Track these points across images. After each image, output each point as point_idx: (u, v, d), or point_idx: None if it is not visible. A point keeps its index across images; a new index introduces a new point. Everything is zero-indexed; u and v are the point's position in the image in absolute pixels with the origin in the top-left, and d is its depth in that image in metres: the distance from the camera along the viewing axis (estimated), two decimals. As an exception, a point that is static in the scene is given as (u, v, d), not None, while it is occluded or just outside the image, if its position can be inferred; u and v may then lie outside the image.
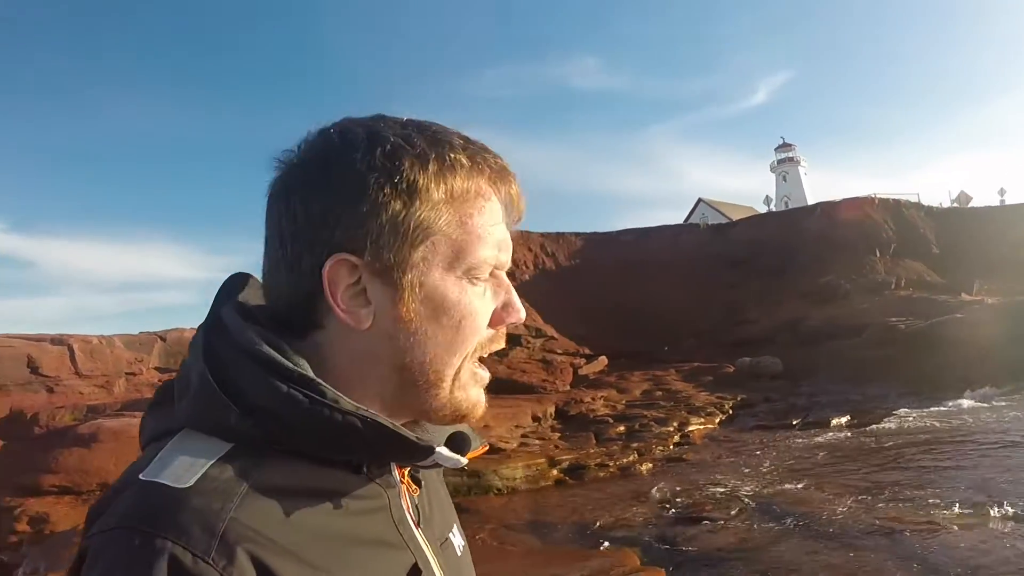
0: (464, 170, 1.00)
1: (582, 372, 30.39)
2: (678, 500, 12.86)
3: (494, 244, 1.03)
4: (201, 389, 0.92)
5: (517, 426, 21.09)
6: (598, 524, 11.92)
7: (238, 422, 0.90)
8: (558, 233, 45.69)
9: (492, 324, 1.06)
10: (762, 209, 61.12)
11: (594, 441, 19.23)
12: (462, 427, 1.16)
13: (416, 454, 0.98)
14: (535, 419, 22.35)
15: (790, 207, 54.75)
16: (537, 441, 19.34)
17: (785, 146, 68.60)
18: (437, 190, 0.98)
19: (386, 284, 0.98)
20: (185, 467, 0.87)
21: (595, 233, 46.65)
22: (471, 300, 1.02)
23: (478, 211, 1.02)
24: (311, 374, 0.93)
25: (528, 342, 29.08)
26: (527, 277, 41.91)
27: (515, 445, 18.35)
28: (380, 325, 0.99)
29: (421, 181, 0.97)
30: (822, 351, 29.61)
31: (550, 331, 31.83)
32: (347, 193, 0.96)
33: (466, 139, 1.03)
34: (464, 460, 1.06)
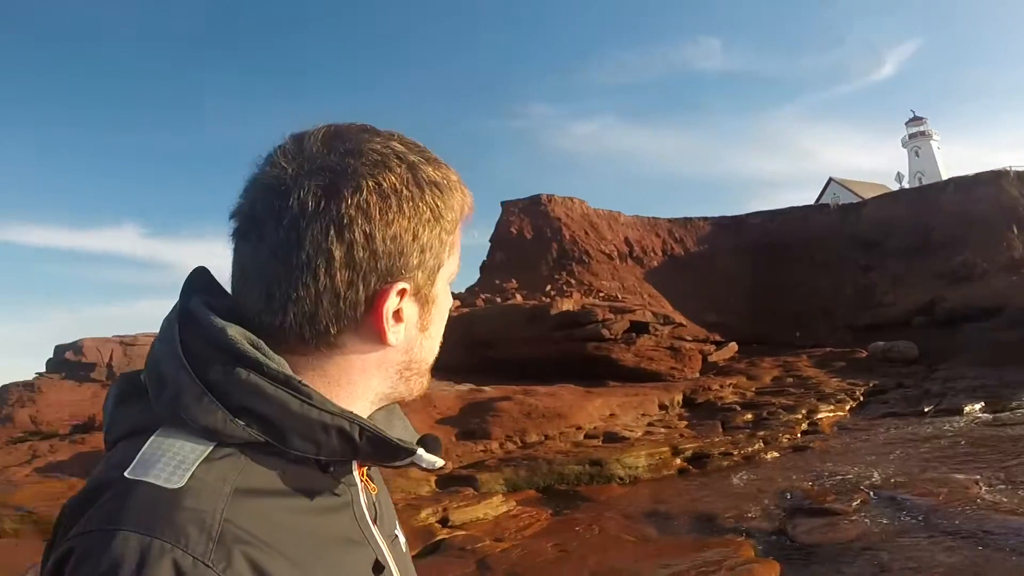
0: (459, 191, 1.06)
1: (711, 359, 30.29)
2: (800, 490, 12.61)
3: (459, 252, 1.12)
4: (184, 387, 0.92)
5: (643, 414, 21.31)
6: (716, 514, 11.76)
7: (226, 423, 0.90)
8: (685, 218, 45.40)
9: None
10: (894, 187, 59.20)
11: (720, 429, 19.14)
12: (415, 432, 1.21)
13: (397, 455, 1.01)
14: (662, 407, 22.45)
15: (923, 183, 52.89)
16: (663, 429, 19.36)
17: (916, 120, 65.93)
18: (456, 215, 1.05)
19: (418, 302, 1.05)
20: (172, 467, 0.87)
21: (723, 217, 46.15)
22: (450, 300, 1.14)
23: (461, 228, 1.10)
24: (295, 376, 0.94)
25: (656, 329, 28.92)
26: (655, 264, 41.81)
27: (640, 434, 18.50)
28: (405, 338, 1.05)
29: (452, 212, 1.04)
30: (959, 334, 28.75)
31: (679, 318, 31.58)
32: (410, 227, 0.99)
33: (438, 155, 1.08)
34: (440, 461, 1.08)
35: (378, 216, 0.96)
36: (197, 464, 0.87)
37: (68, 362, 27.50)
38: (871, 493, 11.98)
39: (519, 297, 34.72)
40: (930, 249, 37.86)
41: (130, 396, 1.00)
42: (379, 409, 1.13)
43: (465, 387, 23.18)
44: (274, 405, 0.92)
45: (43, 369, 28.43)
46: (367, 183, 0.96)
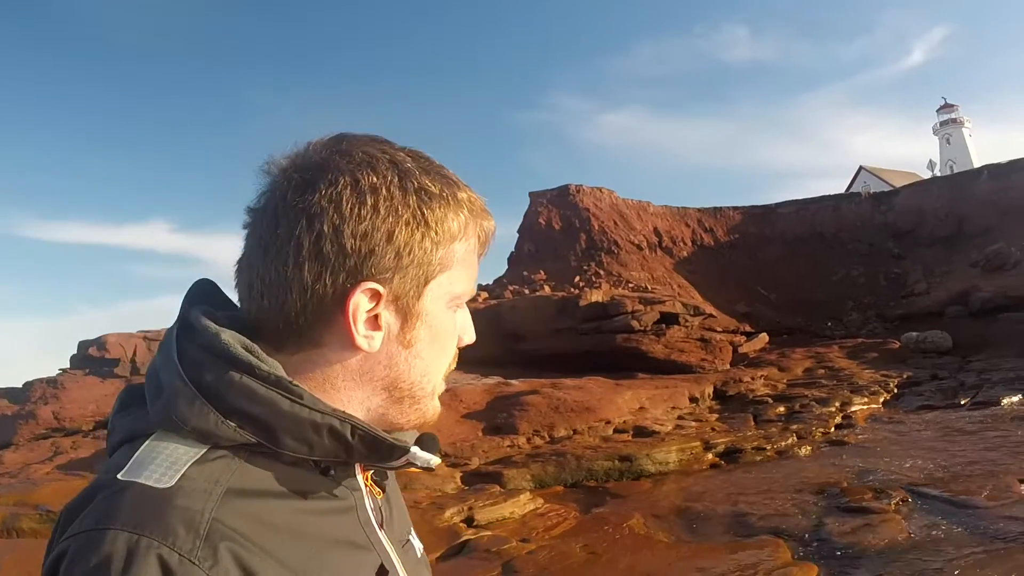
0: (464, 208, 1.06)
1: (742, 350, 30.03)
2: (836, 487, 12.29)
3: (472, 277, 1.12)
4: (178, 392, 0.94)
5: (673, 407, 21.10)
6: (750, 512, 11.47)
7: (218, 424, 0.92)
8: (715, 208, 45.07)
9: (457, 345, 1.15)
10: (926, 175, 58.84)
11: (752, 423, 18.87)
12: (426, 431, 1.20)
13: (391, 454, 1.02)
14: (692, 400, 22.24)
15: (955, 171, 52.41)
16: (693, 423, 19.17)
17: (947, 107, 65.71)
18: (450, 229, 1.05)
19: (399, 312, 1.04)
20: (164, 468, 0.89)
21: (754, 207, 45.76)
22: (453, 327, 1.12)
23: (470, 248, 1.10)
24: (287, 377, 0.96)
25: (686, 320, 28.75)
26: (685, 254, 41.59)
27: (670, 428, 18.28)
28: (384, 349, 1.04)
29: (445, 223, 1.04)
30: (993, 324, 28.42)
31: (709, 308, 31.42)
32: (384, 227, 0.99)
33: (448, 173, 1.08)
34: (437, 459, 1.10)
35: (348, 211, 0.97)
36: (189, 465, 0.89)
37: (92, 358, 27.57)
38: (910, 491, 11.62)
39: (548, 288, 34.58)
40: (963, 238, 37.53)
41: (131, 404, 1.02)
42: None
43: (492, 380, 23.08)
44: (265, 406, 0.93)
45: (67, 365, 28.54)
46: (344, 178, 0.99)
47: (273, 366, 0.96)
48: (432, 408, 1.12)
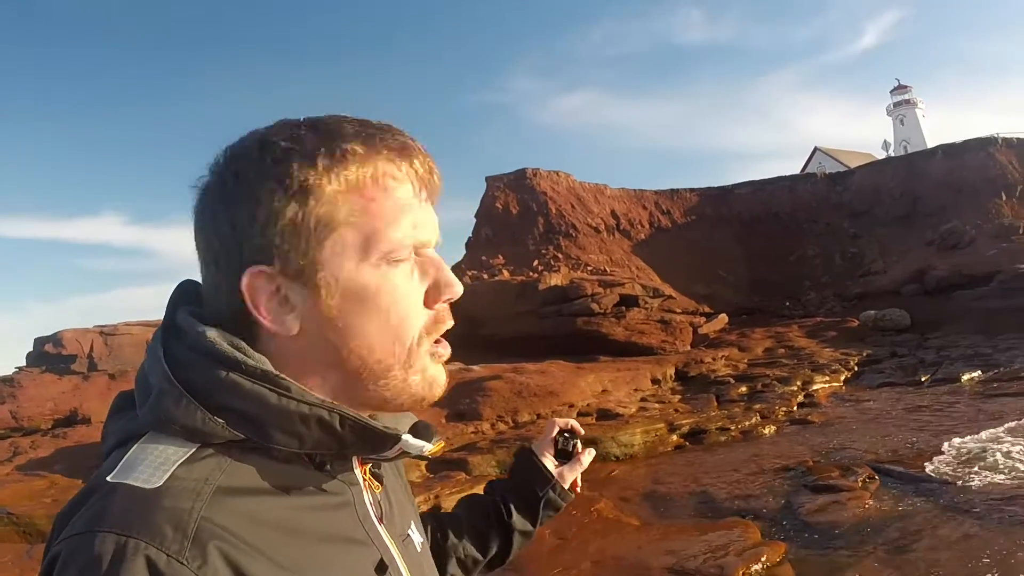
0: (358, 157, 0.98)
1: (702, 331, 30.03)
2: (802, 466, 12.38)
3: (409, 224, 1.01)
4: (165, 392, 0.92)
5: (636, 389, 21.10)
6: (718, 493, 11.56)
7: (205, 422, 0.90)
8: (672, 190, 45.30)
9: (428, 304, 1.04)
10: (880, 155, 59.44)
11: (715, 403, 18.93)
12: (419, 419, 1.15)
13: (384, 443, 0.99)
14: (654, 381, 22.30)
15: (909, 151, 53.05)
16: (657, 405, 19.16)
17: (900, 88, 66.48)
18: (331, 184, 0.97)
19: (304, 287, 0.98)
20: (153, 468, 0.87)
21: (710, 188, 46.09)
22: (395, 285, 1.01)
23: (382, 194, 1.00)
24: (274, 370, 0.94)
25: (646, 302, 28.83)
26: (643, 236, 41.74)
27: (634, 410, 18.26)
28: (309, 328, 0.99)
29: (312, 179, 0.96)
30: (949, 302, 28.84)
31: (668, 290, 31.53)
32: (246, 207, 0.96)
33: (363, 124, 1.01)
34: (430, 446, 1.06)
35: (223, 200, 0.97)
36: (177, 465, 0.88)
37: (48, 355, 26.99)
38: (876, 467, 11.74)
39: (506, 273, 34.49)
40: (919, 217, 38.05)
41: (122, 409, 1.00)
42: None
43: (454, 367, 22.89)
44: (252, 401, 0.91)
45: (23, 363, 27.98)
46: (222, 171, 0.98)
47: (260, 361, 0.94)
48: (420, 380, 1.04)
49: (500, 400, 18.62)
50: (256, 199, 0.95)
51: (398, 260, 1.01)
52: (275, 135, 0.98)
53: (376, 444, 1.00)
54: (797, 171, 56.84)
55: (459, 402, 18.72)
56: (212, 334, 0.94)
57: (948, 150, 41.83)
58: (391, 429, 0.99)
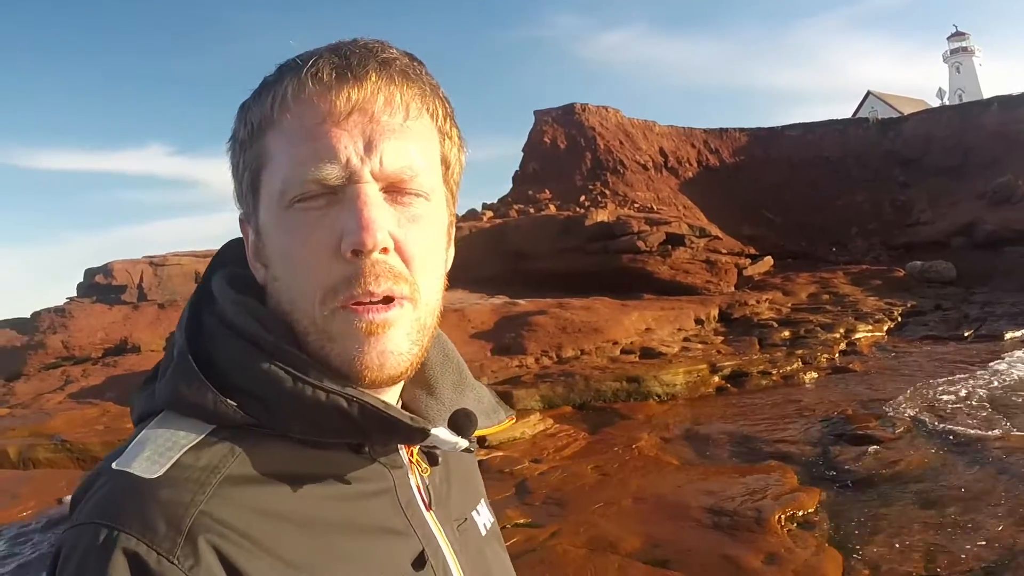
0: (268, 89, 0.92)
1: (747, 273, 30.04)
2: (841, 415, 12.43)
3: (309, 156, 0.88)
4: (178, 368, 0.88)
5: (679, 329, 21.27)
6: (757, 437, 11.68)
7: (216, 404, 0.85)
8: (721, 129, 44.72)
9: (341, 255, 0.88)
10: (934, 103, 58.34)
11: (757, 346, 18.99)
12: (477, 400, 1.10)
13: (411, 436, 0.92)
14: (698, 322, 22.41)
15: (964, 101, 51.99)
16: (699, 345, 19.28)
17: (958, 35, 64.96)
18: (256, 123, 0.93)
19: (255, 234, 0.96)
20: (157, 454, 0.82)
21: (760, 129, 45.33)
22: (301, 232, 0.89)
23: (284, 128, 0.91)
24: (294, 349, 0.88)
25: (692, 242, 28.69)
26: (690, 175, 41.41)
27: (676, 349, 18.44)
28: (260, 275, 0.96)
29: (248, 121, 0.94)
30: (997, 257, 28.42)
31: (714, 230, 31.33)
32: (230, 157, 0.97)
33: (309, 54, 0.92)
34: (463, 442, 0.99)
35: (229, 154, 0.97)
36: (184, 451, 0.82)
37: (98, 285, 27.51)
38: (915, 420, 11.80)
39: (553, 208, 34.44)
40: (970, 168, 37.23)
41: (151, 379, 0.95)
42: (449, 372, 1.08)
43: (499, 300, 23.20)
44: (266, 383, 0.86)
45: (74, 294, 28.58)
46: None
47: (279, 336, 0.88)
48: (338, 353, 0.90)
49: (545, 335, 18.90)
50: (232, 155, 0.97)
51: (298, 201, 0.89)
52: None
53: (403, 436, 0.92)
54: (847, 115, 56.01)
55: (504, 336, 19.06)
56: (233, 302, 0.91)
57: (1004, 102, 40.72)
58: (418, 422, 0.90)
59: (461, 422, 1.00)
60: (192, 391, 0.85)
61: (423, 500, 0.99)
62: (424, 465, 1.03)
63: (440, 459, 1.06)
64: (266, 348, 0.86)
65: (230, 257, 1.02)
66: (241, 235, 1.01)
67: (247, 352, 0.87)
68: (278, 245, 0.91)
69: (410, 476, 0.99)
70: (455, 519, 1.05)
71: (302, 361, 0.86)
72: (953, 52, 64.43)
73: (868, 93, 63.98)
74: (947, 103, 56.09)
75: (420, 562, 0.93)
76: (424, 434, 0.91)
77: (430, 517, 0.99)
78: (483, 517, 1.15)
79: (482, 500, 1.18)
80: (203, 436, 0.84)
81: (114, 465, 0.82)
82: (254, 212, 0.95)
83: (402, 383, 1.00)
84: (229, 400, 0.85)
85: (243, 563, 0.78)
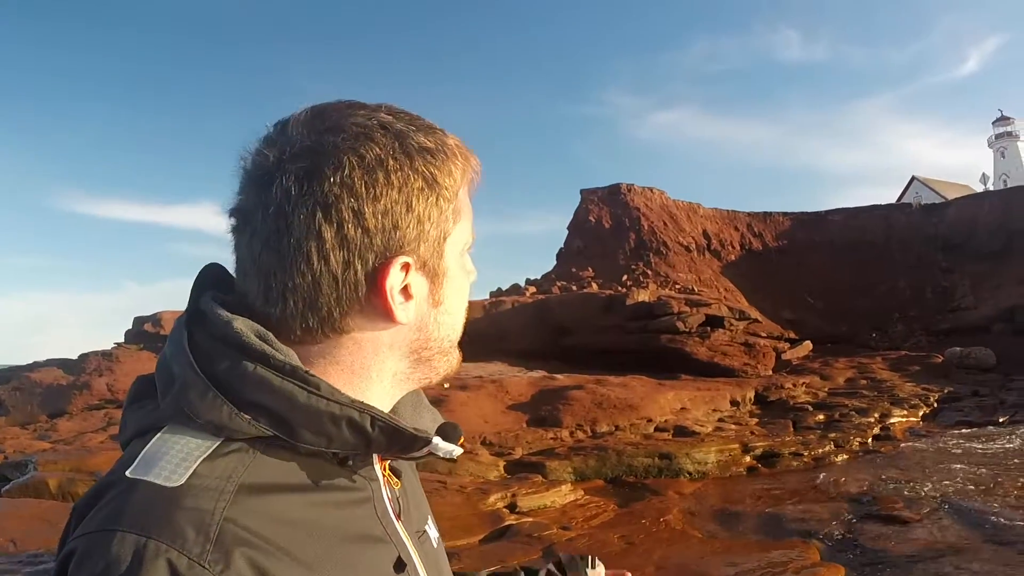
0: (459, 156, 1.02)
1: (785, 357, 30.07)
2: (869, 495, 12.58)
3: (471, 220, 1.08)
4: (190, 383, 0.90)
5: (714, 410, 21.34)
6: (784, 515, 11.78)
7: (232, 417, 0.88)
8: (765, 213, 45.05)
9: None
10: (978, 188, 58.13)
11: (791, 429, 18.97)
12: (432, 421, 1.17)
13: (413, 444, 0.97)
14: (733, 403, 22.45)
15: (1009, 185, 51.80)
16: (733, 426, 19.36)
17: (1004, 119, 64.35)
18: (456, 180, 1.01)
19: (427, 276, 1.01)
20: (174, 464, 0.85)
21: (803, 213, 45.59)
22: (467, 273, 1.09)
23: (465, 194, 1.06)
24: (303, 366, 0.92)
25: (731, 324, 28.87)
26: (733, 257, 41.66)
27: (710, 429, 18.53)
28: (416, 315, 1.02)
29: (451, 177, 1.00)
30: (1038, 344, 28.07)
31: (754, 313, 31.47)
32: (401, 198, 0.96)
33: (434, 123, 1.04)
34: (458, 450, 1.05)
35: (364, 191, 0.94)
36: (200, 461, 0.86)
37: (146, 333, 28.33)
38: (942, 503, 11.91)
39: (595, 286, 34.88)
40: (1014, 253, 37.01)
41: (142, 397, 0.99)
42: (408, 395, 1.13)
43: (538, 374, 23.50)
44: (281, 397, 0.89)
45: (121, 339, 29.39)
46: (349, 158, 0.93)
47: (288, 355, 0.93)
48: (457, 357, 1.12)
49: (581, 409, 19.10)
50: (410, 192, 0.97)
51: (467, 250, 1.09)
52: (392, 123, 0.98)
53: (405, 445, 0.98)
54: (892, 198, 56.05)
55: (541, 408, 19.30)
56: (239, 324, 0.93)
57: (1051, 187, 40.43)
58: (422, 432, 0.97)
59: (450, 433, 1.06)
60: (206, 405, 0.88)
61: (393, 511, 1.05)
62: (396, 479, 1.10)
63: (402, 475, 1.14)
64: (276, 365, 0.90)
65: (210, 281, 1.05)
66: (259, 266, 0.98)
67: (258, 369, 0.90)
68: (457, 282, 1.06)
69: (383, 488, 1.05)
70: (415, 530, 1.11)
71: (312, 377, 0.91)
72: (998, 137, 64.06)
73: (913, 178, 63.86)
74: (991, 188, 55.97)
75: (400, 565, 1.00)
76: (426, 442, 0.97)
77: (400, 526, 1.05)
78: (433, 531, 1.21)
79: (429, 516, 1.23)
80: (215, 446, 0.88)
81: (129, 473, 0.85)
82: (439, 257, 1.02)
83: None
84: (244, 414, 0.88)
85: (269, 566, 0.82)
